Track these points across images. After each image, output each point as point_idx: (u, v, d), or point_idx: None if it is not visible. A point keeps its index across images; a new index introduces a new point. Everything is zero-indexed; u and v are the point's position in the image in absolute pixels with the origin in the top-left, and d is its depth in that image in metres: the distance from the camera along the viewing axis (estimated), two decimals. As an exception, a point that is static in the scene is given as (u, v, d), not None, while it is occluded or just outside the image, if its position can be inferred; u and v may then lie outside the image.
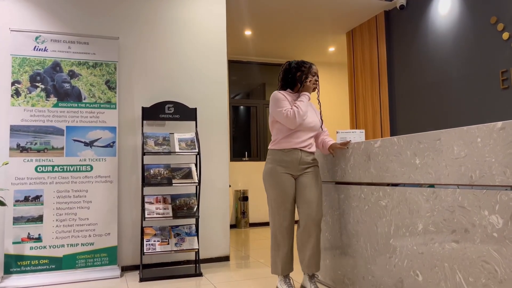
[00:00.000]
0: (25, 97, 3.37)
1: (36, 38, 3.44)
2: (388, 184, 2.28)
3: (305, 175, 2.71)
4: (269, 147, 2.80)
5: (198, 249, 3.45)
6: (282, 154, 2.69)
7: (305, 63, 2.81)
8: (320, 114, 2.95)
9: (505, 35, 3.66)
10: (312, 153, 2.77)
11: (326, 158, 2.86)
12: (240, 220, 6.28)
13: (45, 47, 3.46)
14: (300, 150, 2.70)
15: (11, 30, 3.39)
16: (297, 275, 3.16)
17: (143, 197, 3.42)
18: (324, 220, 2.92)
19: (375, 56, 5.32)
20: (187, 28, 4.01)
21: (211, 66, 4.05)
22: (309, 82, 2.77)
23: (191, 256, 3.80)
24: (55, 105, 3.45)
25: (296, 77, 2.79)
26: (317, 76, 2.84)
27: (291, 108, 2.64)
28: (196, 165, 3.61)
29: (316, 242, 2.64)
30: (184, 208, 3.50)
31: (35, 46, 3.44)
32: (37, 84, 3.42)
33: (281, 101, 2.70)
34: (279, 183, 2.67)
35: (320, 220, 2.66)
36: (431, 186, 1.97)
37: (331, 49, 6.55)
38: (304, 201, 2.66)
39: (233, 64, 6.80)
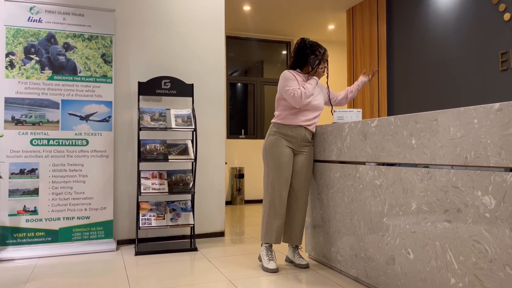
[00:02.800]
0: (20, 69, 3.33)
1: (31, 8, 3.37)
2: (383, 164, 2.29)
3: (302, 154, 2.90)
4: (274, 121, 2.91)
5: (194, 224, 3.48)
6: (288, 129, 2.84)
7: (320, 47, 2.93)
8: (328, 91, 3.14)
9: (507, 16, 3.62)
10: (313, 132, 2.93)
11: (323, 137, 2.87)
12: (235, 197, 6.32)
13: (40, 18, 3.39)
14: (305, 128, 2.86)
15: (5, 0, 3.31)
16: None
17: (139, 172, 3.43)
18: (319, 198, 2.94)
19: (374, 35, 5.27)
20: (185, 2, 3.93)
21: (208, 41, 4.00)
22: (321, 69, 2.92)
23: (187, 231, 3.84)
24: (50, 78, 3.41)
25: (308, 59, 2.90)
26: (327, 62, 2.98)
27: (299, 89, 2.76)
28: (192, 141, 3.61)
29: (303, 218, 2.92)
30: (180, 184, 3.51)
31: (29, 17, 3.37)
32: (31, 56, 3.37)
33: (290, 80, 2.83)
34: (282, 154, 2.82)
35: (306, 200, 2.94)
36: (426, 166, 1.98)
37: (331, 26, 6.46)
38: (299, 180, 2.90)
39: (231, 40, 6.71)
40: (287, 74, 2.86)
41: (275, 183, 2.81)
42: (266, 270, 2.79)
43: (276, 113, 2.93)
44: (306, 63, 2.92)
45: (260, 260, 2.91)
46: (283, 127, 2.84)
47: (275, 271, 2.77)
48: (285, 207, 2.84)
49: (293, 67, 2.96)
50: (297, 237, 2.93)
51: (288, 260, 3.00)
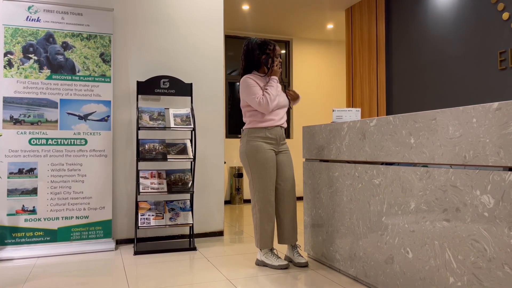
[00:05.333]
0: (18, 69, 3.32)
1: (29, 8, 3.37)
2: (382, 163, 2.29)
3: (283, 153, 2.94)
4: (250, 126, 2.87)
5: (192, 223, 3.48)
6: (267, 131, 2.85)
7: (269, 44, 2.88)
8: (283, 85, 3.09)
9: (505, 15, 3.62)
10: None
11: (322, 136, 2.87)
12: (234, 196, 6.33)
13: (38, 17, 3.39)
14: (280, 126, 2.90)
15: (3, -1, 3.30)
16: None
17: (137, 171, 3.42)
18: (318, 197, 2.94)
19: (373, 34, 5.27)
20: (184, 1, 3.93)
21: (207, 40, 4.00)
22: (276, 66, 2.88)
23: (186, 230, 3.84)
24: (49, 77, 3.40)
25: (261, 60, 2.87)
26: (280, 56, 2.94)
27: (263, 95, 2.75)
28: (191, 141, 3.60)
29: (294, 215, 2.95)
30: (179, 183, 3.51)
31: (28, 16, 3.36)
32: (30, 55, 3.36)
33: (251, 87, 2.79)
34: (267, 159, 2.81)
35: (295, 198, 2.96)
36: (425, 165, 1.99)
37: (330, 26, 6.46)
38: (285, 179, 2.92)
39: (230, 39, 6.71)
40: (248, 80, 2.82)
41: (264, 189, 2.81)
42: (279, 267, 2.79)
43: (246, 119, 2.91)
44: (259, 64, 2.89)
45: (259, 265, 2.90)
46: (261, 130, 2.83)
47: (287, 266, 2.80)
48: (274, 210, 2.86)
49: (248, 70, 2.93)
50: (292, 236, 2.94)
51: (288, 259, 3.00)
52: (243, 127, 2.93)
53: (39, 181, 3.33)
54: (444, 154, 1.85)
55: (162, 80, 3.63)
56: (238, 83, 6.90)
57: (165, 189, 3.42)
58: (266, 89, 2.80)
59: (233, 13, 5.81)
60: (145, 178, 3.43)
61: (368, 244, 2.39)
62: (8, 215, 3.24)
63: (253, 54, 2.87)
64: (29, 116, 3.33)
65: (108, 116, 3.54)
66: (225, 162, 6.39)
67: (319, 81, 7.03)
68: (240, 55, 2.97)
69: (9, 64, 3.30)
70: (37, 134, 3.34)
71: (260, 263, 2.89)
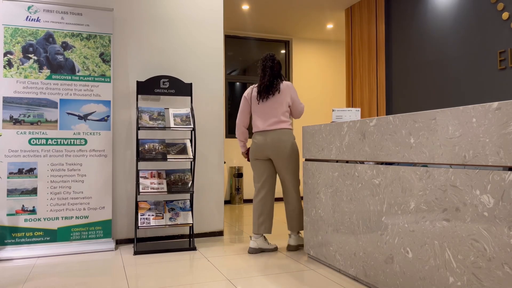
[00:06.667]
0: (18, 69, 3.32)
1: (29, 8, 3.37)
2: (382, 163, 2.29)
3: None
4: (289, 127, 3.25)
5: (192, 223, 3.48)
6: None
7: None
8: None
9: (505, 15, 3.62)
10: None
11: (322, 136, 2.87)
12: (234, 196, 6.33)
13: (38, 17, 3.39)
14: None
15: (2, -1, 3.30)
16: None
17: (137, 171, 3.42)
18: (317, 197, 2.94)
19: (373, 34, 5.27)
20: (184, 1, 3.93)
21: (207, 40, 4.00)
22: None
23: (185, 230, 3.84)
24: (49, 77, 3.40)
25: (281, 73, 3.35)
26: None
27: None
28: (191, 140, 3.60)
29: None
30: (178, 183, 3.51)
31: (28, 16, 3.36)
32: (29, 55, 3.36)
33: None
34: None
35: None
36: (425, 165, 1.99)
37: (329, 26, 6.46)
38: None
39: (229, 39, 6.70)
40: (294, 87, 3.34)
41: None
42: (276, 249, 3.31)
43: (286, 119, 3.24)
44: (280, 76, 3.32)
45: (254, 253, 3.23)
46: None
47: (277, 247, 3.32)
48: None
49: (277, 77, 3.29)
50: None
51: (259, 250, 3.37)
52: (285, 126, 3.21)
53: (39, 181, 3.33)
54: (444, 154, 1.85)
55: (162, 80, 3.63)
56: (237, 83, 6.89)
57: (165, 189, 3.42)
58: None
59: (233, 13, 5.81)
60: (145, 178, 3.43)
61: (368, 244, 2.39)
62: (8, 215, 3.24)
63: (280, 66, 3.33)
64: (29, 116, 3.33)
65: (108, 116, 3.54)
66: (225, 162, 6.39)
67: (318, 81, 7.03)
68: (257, 59, 3.54)
69: (9, 64, 3.30)
70: (37, 134, 3.34)
71: (257, 251, 3.23)
